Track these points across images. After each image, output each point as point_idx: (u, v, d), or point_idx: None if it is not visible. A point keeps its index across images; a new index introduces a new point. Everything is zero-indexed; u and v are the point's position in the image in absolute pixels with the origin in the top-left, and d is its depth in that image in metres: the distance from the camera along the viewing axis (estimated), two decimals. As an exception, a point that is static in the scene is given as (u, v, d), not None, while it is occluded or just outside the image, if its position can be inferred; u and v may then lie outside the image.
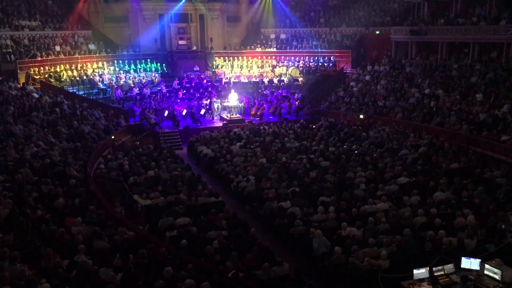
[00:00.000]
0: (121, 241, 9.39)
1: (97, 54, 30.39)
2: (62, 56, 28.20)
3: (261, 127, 22.79)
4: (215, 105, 25.97)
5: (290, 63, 32.79)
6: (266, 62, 33.29)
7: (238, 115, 25.26)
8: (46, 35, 29.17)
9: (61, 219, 10.03)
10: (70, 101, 22.02)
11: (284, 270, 9.64)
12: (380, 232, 11.13)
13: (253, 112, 25.75)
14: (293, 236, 11.67)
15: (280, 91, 29.03)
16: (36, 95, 21.30)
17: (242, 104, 26.34)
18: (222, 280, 8.22)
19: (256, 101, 27.06)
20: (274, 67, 32.71)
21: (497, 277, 9.05)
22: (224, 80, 30.54)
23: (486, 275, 9.21)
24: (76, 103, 21.77)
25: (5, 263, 7.20)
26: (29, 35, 28.02)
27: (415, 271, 9.27)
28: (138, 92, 26.92)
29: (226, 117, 24.88)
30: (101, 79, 27.79)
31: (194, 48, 34.39)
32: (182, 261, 9.00)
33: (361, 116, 24.05)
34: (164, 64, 31.82)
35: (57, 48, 28.61)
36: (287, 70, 31.73)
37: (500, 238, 10.83)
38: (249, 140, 20.39)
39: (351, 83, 29.01)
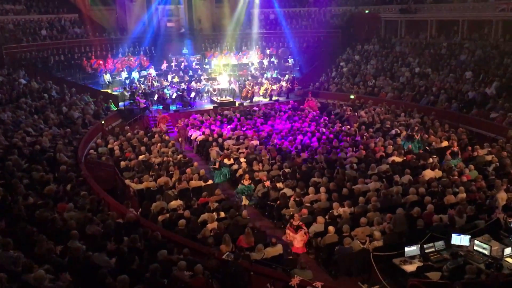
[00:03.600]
0: (114, 226, 9.41)
1: (84, 38, 29.94)
2: (48, 40, 27.77)
3: (252, 109, 22.78)
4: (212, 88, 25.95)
5: (280, 44, 32.55)
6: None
7: (229, 98, 25.16)
8: (31, 19, 28.67)
9: (53, 205, 10.00)
10: (59, 86, 21.78)
11: (277, 250, 9.75)
12: (371, 211, 11.24)
13: (244, 94, 25.65)
14: (285, 217, 11.75)
15: (270, 72, 28.88)
16: (23, 81, 21.02)
17: (232, 86, 26.23)
18: (216, 262, 8.29)
19: (246, 83, 26.93)
20: (264, 48, 32.49)
21: (486, 252, 9.24)
22: (213, 62, 30.31)
23: (476, 250, 9.41)
24: (65, 88, 21.54)
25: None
26: (14, 20, 27.52)
27: (406, 249, 9.43)
28: (127, 76, 26.66)
29: (216, 100, 24.78)
30: (89, 63, 27.46)
31: (183, 30, 33.99)
32: (175, 244, 9.06)
33: (352, 97, 24.08)
34: (152, 47, 31.46)
35: (43, 32, 28.16)
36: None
37: (489, 214, 11.00)
38: (240, 122, 20.36)
39: (341, 63, 28.95)
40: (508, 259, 9.10)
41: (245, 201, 13.45)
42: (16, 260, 6.93)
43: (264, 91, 25.96)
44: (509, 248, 9.29)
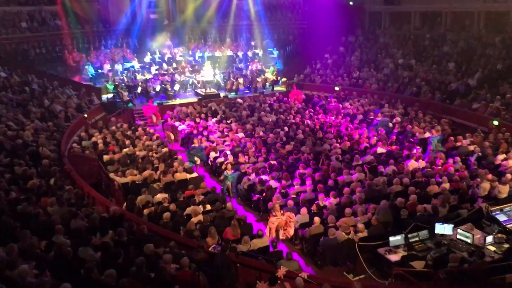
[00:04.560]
0: (99, 220, 9.33)
1: (66, 31, 29.39)
2: (28, 33, 27.25)
3: (237, 101, 22.73)
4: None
5: (264, 35, 32.38)
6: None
7: (213, 90, 25.03)
8: (10, 11, 28.06)
9: (36, 200, 9.88)
10: (40, 79, 21.44)
11: (264, 241, 9.79)
12: (357, 203, 11.32)
13: (229, 86, 25.54)
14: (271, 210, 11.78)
15: (255, 64, 28.81)
16: (3, 74, 20.63)
17: (217, 78, 26.10)
18: (205, 255, 8.29)
19: (231, 75, 26.84)
20: (249, 40, 32.37)
21: (469, 240, 9.41)
22: (197, 54, 30.12)
23: (459, 239, 9.57)
24: (46, 82, 21.22)
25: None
26: (-7, 12, 26.97)
27: (391, 238, 9.53)
28: (109, 68, 26.35)
29: (201, 92, 24.64)
30: (71, 56, 27.05)
31: (166, 22, 33.61)
32: (162, 237, 9.03)
33: (336, 88, 24.13)
34: (135, 39, 31.07)
35: (24, 24, 27.62)
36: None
37: (472, 204, 11.18)
38: (225, 115, 20.30)
39: (326, 55, 28.98)
40: (490, 247, 9.28)
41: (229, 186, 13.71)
42: (10, 251, 6.83)
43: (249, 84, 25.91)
44: (491, 237, 9.48)
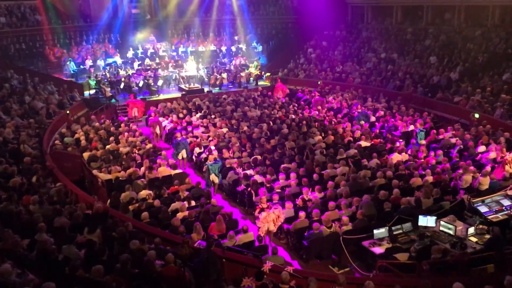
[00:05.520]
0: (83, 217, 9.24)
1: (46, 26, 28.88)
2: (7, 28, 26.73)
3: (222, 97, 22.67)
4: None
5: (248, 30, 32.28)
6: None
7: (197, 85, 24.90)
8: (-12, 6, 27.53)
9: (18, 198, 9.74)
10: (20, 76, 21.08)
11: (249, 237, 9.80)
12: (343, 197, 11.40)
13: (212, 81, 25.44)
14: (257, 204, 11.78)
15: (238, 59, 28.71)
16: (-18, 71, 20.28)
17: (200, 73, 25.97)
18: (190, 250, 8.26)
19: (214, 70, 26.73)
20: (232, 34, 32.24)
21: (451, 232, 9.55)
22: (180, 49, 29.90)
23: (442, 231, 9.70)
24: (27, 78, 20.88)
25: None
26: (-30, 7, 26.38)
27: (375, 231, 9.62)
28: (91, 64, 26.02)
29: (184, 87, 24.49)
30: (52, 52, 26.64)
31: (148, 16, 33.27)
32: (146, 234, 8.98)
33: (319, 82, 24.19)
34: (118, 34, 30.70)
35: (2, 19, 27.08)
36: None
37: (454, 196, 11.33)
38: (209, 110, 20.22)
39: (309, 50, 29.04)
40: (472, 238, 9.43)
41: (214, 178, 13.73)
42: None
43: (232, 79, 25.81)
44: (473, 228, 9.64)
